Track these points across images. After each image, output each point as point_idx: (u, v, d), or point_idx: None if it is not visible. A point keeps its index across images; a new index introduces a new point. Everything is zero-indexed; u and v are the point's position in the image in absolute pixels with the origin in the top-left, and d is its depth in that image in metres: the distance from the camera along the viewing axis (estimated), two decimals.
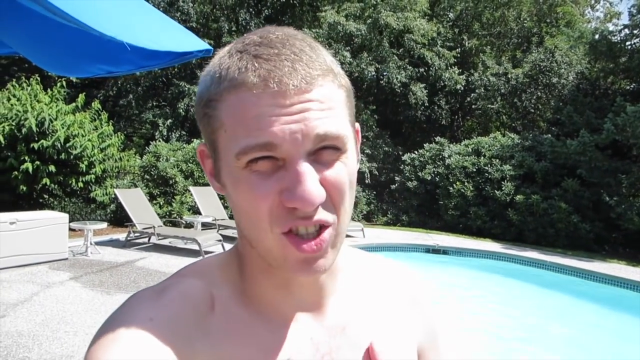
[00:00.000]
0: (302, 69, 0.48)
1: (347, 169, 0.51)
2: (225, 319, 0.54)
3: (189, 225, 9.36)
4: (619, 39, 12.64)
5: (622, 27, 12.90)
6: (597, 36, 12.76)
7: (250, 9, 17.92)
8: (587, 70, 13.49)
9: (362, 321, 0.61)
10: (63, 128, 9.46)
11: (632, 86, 13.07)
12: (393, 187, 13.92)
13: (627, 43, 12.52)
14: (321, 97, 0.49)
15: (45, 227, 6.46)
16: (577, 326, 5.87)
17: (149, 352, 0.47)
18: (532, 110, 14.57)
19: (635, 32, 12.30)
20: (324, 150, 0.49)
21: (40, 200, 9.53)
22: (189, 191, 9.94)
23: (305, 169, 0.47)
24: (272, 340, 0.55)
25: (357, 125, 0.57)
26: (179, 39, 1.96)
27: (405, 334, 0.64)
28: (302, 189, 0.46)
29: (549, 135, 12.07)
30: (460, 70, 15.64)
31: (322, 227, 0.50)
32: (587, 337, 5.46)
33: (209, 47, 1.94)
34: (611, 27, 14.73)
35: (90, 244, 7.12)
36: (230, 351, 0.53)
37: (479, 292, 7.07)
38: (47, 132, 9.30)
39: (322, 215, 0.49)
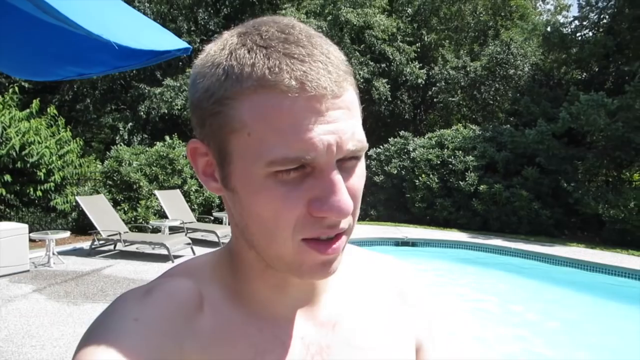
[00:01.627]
0: (334, 71, 0.46)
1: (363, 175, 0.51)
2: (214, 319, 0.53)
3: (156, 230, 9.16)
4: (569, 30, 13.16)
5: (572, 19, 13.42)
6: (549, 28, 13.22)
7: (209, 8, 17.65)
8: (541, 62, 13.98)
9: (354, 317, 0.60)
10: (18, 136, 9.07)
11: (583, 76, 13.63)
12: None
13: (578, 34, 13.04)
14: (349, 104, 0.47)
15: (3, 239, 6.18)
16: (542, 307, 6.10)
17: (134, 352, 0.46)
18: (491, 102, 14.98)
19: (584, 23, 12.81)
20: (348, 160, 0.48)
21: None
22: (154, 195, 9.72)
23: (338, 179, 0.46)
24: (262, 340, 0.54)
25: None
26: (157, 38, 1.89)
27: (400, 330, 0.63)
28: (337, 199, 0.45)
29: (508, 126, 12.45)
30: (420, 65, 15.92)
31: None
32: (552, 317, 5.68)
33: (187, 45, 1.90)
34: (562, 19, 15.31)
35: (53, 254, 6.86)
36: (220, 351, 0.51)
37: (447, 281, 7.23)
38: (1, 141, 8.91)
39: (343, 223, 0.49)
